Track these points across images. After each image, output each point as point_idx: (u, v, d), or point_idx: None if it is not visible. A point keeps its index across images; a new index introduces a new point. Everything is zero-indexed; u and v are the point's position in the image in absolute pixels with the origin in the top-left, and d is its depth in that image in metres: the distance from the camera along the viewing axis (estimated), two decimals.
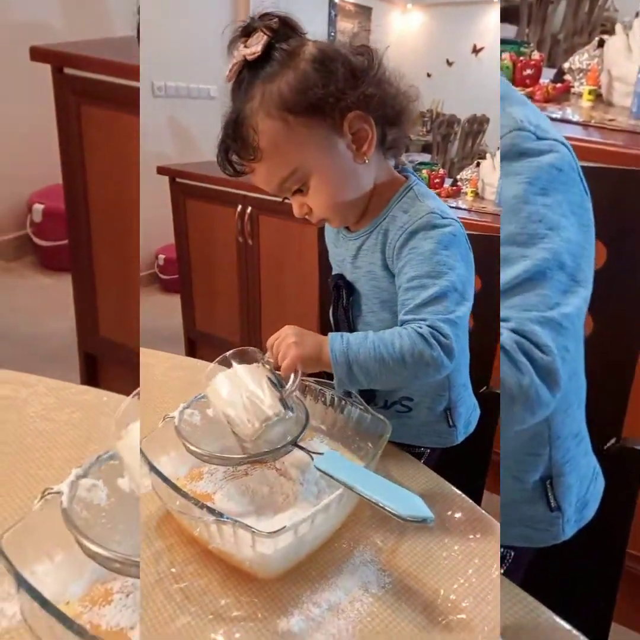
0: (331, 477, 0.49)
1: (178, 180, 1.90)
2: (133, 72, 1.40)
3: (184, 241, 1.97)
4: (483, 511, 0.57)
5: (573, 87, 1.31)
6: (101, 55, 1.46)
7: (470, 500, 0.58)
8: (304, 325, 0.61)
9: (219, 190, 1.80)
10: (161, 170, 1.92)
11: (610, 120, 1.16)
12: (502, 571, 0.59)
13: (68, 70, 1.46)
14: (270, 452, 0.52)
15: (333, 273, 0.72)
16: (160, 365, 0.84)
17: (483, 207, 1.63)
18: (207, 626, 0.44)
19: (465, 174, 1.81)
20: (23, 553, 0.40)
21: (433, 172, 1.84)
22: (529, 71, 1.32)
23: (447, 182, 1.86)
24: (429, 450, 0.72)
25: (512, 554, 0.62)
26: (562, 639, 0.45)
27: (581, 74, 1.29)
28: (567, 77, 1.32)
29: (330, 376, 0.74)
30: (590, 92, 1.25)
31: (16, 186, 2.51)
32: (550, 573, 0.65)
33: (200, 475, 0.56)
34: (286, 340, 0.58)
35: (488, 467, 0.85)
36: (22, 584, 0.37)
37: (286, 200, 0.64)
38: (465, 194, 1.70)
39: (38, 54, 1.43)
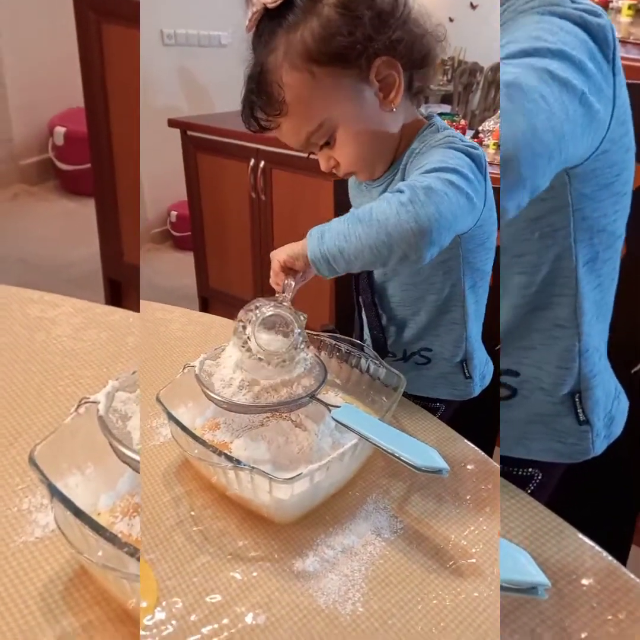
0: (348, 428, 0.50)
1: (189, 133, 1.86)
2: None
3: (196, 196, 1.94)
4: (495, 463, 0.57)
5: (612, 2, 1.23)
6: None
7: (483, 453, 0.59)
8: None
9: (231, 144, 1.76)
10: (172, 123, 1.88)
11: None
12: (529, 491, 0.60)
13: None
14: (287, 403, 0.53)
15: None
16: (177, 320, 0.85)
17: None
18: (225, 565, 0.46)
19: (488, 125, 1.74)
20: (56, 464, 0.42)
21: (454, 123, 1.77)
22: None
23: (468, 134, 1.79)
24: (443, 407, 0.72)
25: (540, 475, 0.63)
26: (586, 554, 0.47)
27: None
28: None
29: (343, 331, 0.74)
30: (629, 7, 1.18)
31: (37, 109, 2.50)
32: (572, 495, 0.66)
33: (217, 425, 0.57)
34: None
35: (499, 424, 0.86)
36: (56, 494, 0.38)
37: (312, 156, 0.63)
38: (487, 146, 1.63)
39: None
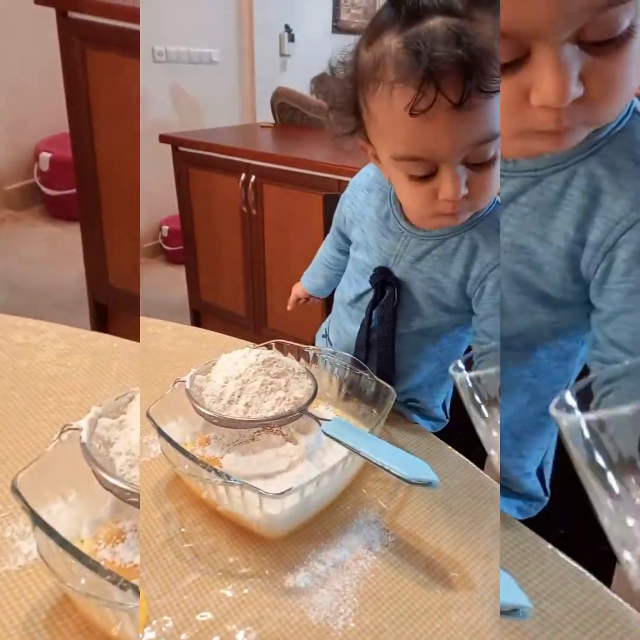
0: (338, 441, 0.50)
1: (181, 148, 1.87)
2: (137, 15, 1.38)
3: (188, 211, 1.95)
4: (486, 475, 0.58)
5: None
6: None
7: (473, 465, 0.59)
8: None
9: (222, 159, 1.78)
10: (163, 139, 1.89)
11: None
12: None
13: (72, 14, 1.44)
14: (278, 417, 0.53)
15: (375, 265, 0.64)
16: (167, 335, 0.85)
17: None
18: (216, 582, 0.45)
19: None
20: (38, 492, 0.42)
21: None
22: None
23: None
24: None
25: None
26: (568, 574, 0.47)
27: None
28: None
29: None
30: None
31: (23, 134, 2.51)
32: (554, 515, 0.67)
33: (207, 440, 0.57)
34: None
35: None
36: (38, 522, 0.38)
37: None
38: None
39: None
